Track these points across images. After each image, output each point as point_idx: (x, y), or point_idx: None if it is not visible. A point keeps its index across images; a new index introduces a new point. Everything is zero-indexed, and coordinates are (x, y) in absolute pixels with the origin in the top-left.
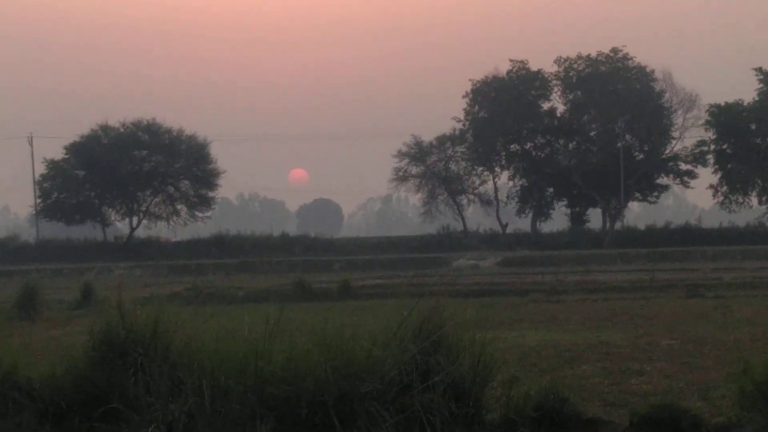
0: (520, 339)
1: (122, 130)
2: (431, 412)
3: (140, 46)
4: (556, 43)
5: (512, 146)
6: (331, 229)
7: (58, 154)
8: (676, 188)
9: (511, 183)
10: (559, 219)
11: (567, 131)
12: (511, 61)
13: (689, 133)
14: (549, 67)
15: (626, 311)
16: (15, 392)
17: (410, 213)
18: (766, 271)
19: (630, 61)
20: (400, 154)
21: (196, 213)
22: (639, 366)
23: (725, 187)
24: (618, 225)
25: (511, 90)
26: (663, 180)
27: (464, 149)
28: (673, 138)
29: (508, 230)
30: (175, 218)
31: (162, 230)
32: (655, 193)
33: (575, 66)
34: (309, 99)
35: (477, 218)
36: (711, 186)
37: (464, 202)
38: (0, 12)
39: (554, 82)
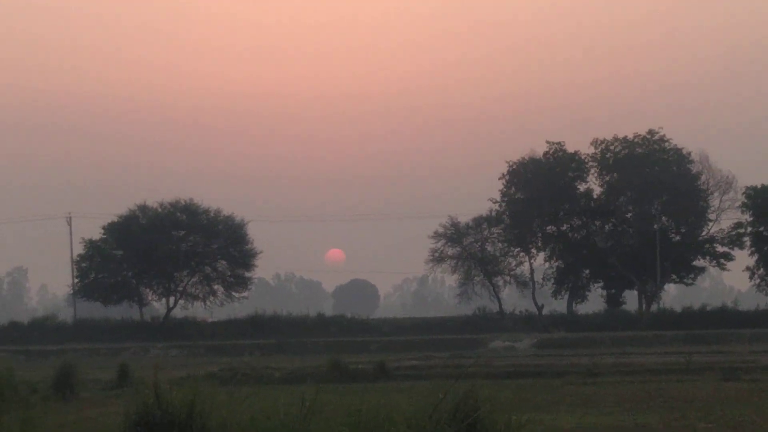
0: (556, 422)
1: (160, 210)
2: None
3: (177, 126)
4: (593, 124)
5: (548, 228)
6: (367, 310)
7: (96, 234)
8: (713, 270)
9: (547, 264)
10: (595, 301)
11: (603, 213)
12: (547, 142)
13: (726, 215)
14: (585, 149)
15: (662, 394)
16: None
17: (446, 294)
18: None
19: (666, 143)
20: (437, 235)
21: (233, 293)
22: None
23: (762, 270)
24: (654, 307)
25: (548, 172)
26: (699, 262)
27: (500, 230)
28: (710, 220)
29: (544, 312)
30: (211, 298)
31: (198, 310)
32: (692, 275)
33: (612, 148)
34: (346, 179)
35: (513, 299)
36: (748, 268)
37: (500, 283)
38: (37, 94)
39: (591, 163)
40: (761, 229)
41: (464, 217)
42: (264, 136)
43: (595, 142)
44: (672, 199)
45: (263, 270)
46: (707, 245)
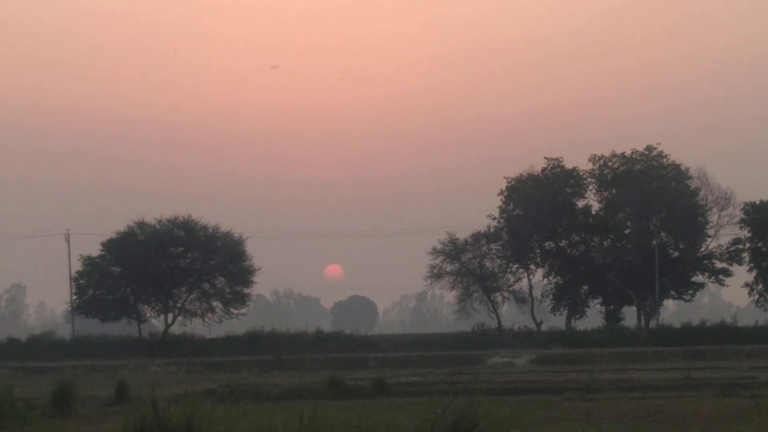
0: None
1: (158, 226)
2: None
3: (177, 142)
4: (592, 141)
5: (547, 244)
6: (365, 326)
7: (95, 250)
8: (712, 286)
9: (545, 281)
10: (593, 317)
11: (602, 229)
12: (546, 158)
13: (724, 231)
14: (584, 165)
15: (661, 410)
16: None
17: (445, 310)
18: None
19: (665, 159)
20: (435, 252)
21: (231, 310)
22: None
23: (760, 285)
24: (653, 323)
25: (546, 188)
26: (698, 278)
27: (499, 247)
28: (708, 236)
29: (543, 328)
30: (210, 315)
31: (197, 327)
32: (690, 291)
33: (610, 164)
34: (344, 195)
35: (511, 316)
36: (746, 284)
37: (499, 299)
38: (36, 110)
39: (589, 179)
40: (760, 245)
41: (463, 234)
42: (262, 153)
43: (593, 158)
44: (670, 215)
45: (261, 286)
46: (706, 261)
